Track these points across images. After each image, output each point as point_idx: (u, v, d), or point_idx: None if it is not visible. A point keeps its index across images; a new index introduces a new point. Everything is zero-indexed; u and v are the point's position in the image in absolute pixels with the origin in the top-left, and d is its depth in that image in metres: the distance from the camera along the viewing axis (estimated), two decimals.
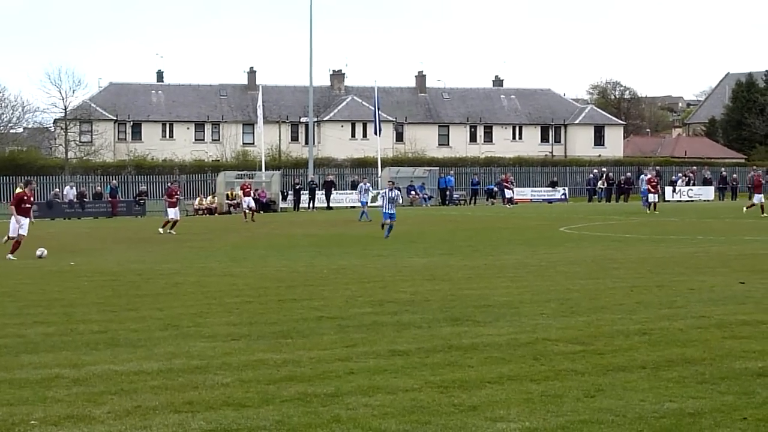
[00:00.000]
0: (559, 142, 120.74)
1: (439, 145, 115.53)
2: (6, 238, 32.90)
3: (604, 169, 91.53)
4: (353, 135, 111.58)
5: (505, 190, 77.74)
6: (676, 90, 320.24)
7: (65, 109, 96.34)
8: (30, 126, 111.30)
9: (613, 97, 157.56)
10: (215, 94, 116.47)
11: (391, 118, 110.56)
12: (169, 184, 56.94)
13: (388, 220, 40.17)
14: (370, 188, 62.76)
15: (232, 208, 72.55)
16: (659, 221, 49.83)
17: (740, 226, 44.55)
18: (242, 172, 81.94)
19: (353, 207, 75.07)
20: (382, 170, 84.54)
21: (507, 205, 75.03)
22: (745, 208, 54.54)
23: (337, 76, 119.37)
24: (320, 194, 78.18)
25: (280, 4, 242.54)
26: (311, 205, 76.88)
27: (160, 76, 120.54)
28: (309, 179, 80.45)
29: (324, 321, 16.49)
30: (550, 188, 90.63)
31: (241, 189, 63.62)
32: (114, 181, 78.32)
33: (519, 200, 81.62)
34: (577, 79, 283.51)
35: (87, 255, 32.60)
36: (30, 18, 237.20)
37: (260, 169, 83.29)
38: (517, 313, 17.08)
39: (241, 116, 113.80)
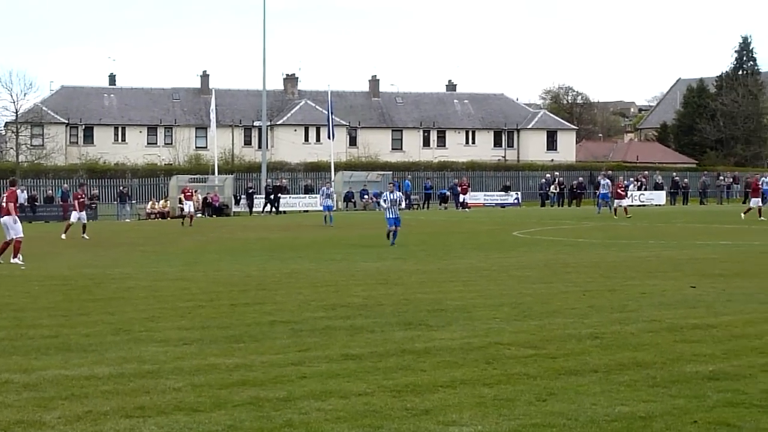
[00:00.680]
0: (512, 146, 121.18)
1: (392, 149, 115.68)
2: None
3: (556, 174, 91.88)
4: (306, 139, 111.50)
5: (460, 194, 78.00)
6: (628, 95, 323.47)
7: (16, 112, 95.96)
8: None
9: (565, 102, 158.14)
10: (168, 98, 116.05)
11: (344, 123, 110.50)
12: (77, 188, 55.64)
13: (393, 227, 37.25)
14: (332, 193, 62.47)
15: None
16: (611, 225, 50.06)
17: (692, 230, 44.83)
18: (195, 176, 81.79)
19: (306, 211, 75.12)
20: (335, 175, 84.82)
21: (461, 210, 75.22)
22: (743, 214, 54.26)
23: (291, 80, 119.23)
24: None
25: (233, 7, 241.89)
26: (271, 209, 76.64)
27: (112, 79, 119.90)
28: (266, 184, 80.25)
29: (277, 325, 16.44)
30: (503, 192, 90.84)
31: (182, 193, 62.92)
32: (65, 185, 77.71)
33: (472, 204, 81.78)
34: (530, 84, 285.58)
35: (38, 259, 32.32)
36: None
37: (213, 173, 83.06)
38: (469, 318, 17.10)
39: (194, 120, 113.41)
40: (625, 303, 18.82)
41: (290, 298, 20.15)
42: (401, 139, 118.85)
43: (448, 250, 34.83)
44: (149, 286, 23.17)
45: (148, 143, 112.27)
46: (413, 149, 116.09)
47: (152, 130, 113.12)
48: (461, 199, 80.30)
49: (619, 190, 62.33)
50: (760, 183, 55.85)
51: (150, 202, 75.61)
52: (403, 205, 37.90)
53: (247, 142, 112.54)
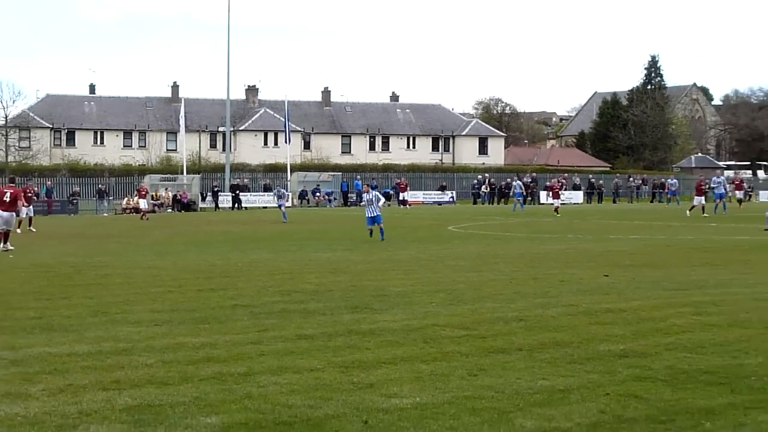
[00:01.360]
0: (448, 151, 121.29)
1: (342, 153, 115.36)
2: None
3: (487, 175, 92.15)
4: (265, 143, 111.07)
5: (401, 193, 78.08)
6: (551, 106, 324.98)
7: (6, 117, 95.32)
8: None
9: (495, 111, 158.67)
10: (142, 106, 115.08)
11: (299, 129, 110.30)
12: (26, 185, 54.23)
13: (371, 225, 35.69)
14: (285, 192, 62.15)
15: (156, 208, 71.96)
16: (534, 221, 50.24)
17: (605, 226, 45.02)
18: (166, 176, 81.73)
19: (265, 207, 74.86)
20: (291, 175, 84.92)
21: (402, 207, 75.28)
22: (687, 211, 54.41)
23: (252, 90, 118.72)
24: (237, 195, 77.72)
25: (201, 25, 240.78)
26: (237, 205, 76.26)
27: (92, 88, 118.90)
28: (232, 182, 79.82)
29: (238, 308, 16.38)
30: (439, 192, 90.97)
31: (137, 191, 62.89)
32: (49, 183, 77.35)
33: (412, 202, 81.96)
34: (464, 95, 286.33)
35: (24, 249, 32.02)
36: None
37: (182, 173, 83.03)
38: (409, 302, 17.10)
39: (165, 125, 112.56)
40: (547, 290, 18.88)
41: (250, 285, 20.07)
42: (350, 144, 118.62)
43: (391, 242, 34.80)
44: (124, 273, 23.00)
45: (124, 146, 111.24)
46: (360, 153, 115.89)
47: (128, 134, 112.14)
48: (401, 197, 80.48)
49: (552, 191, 62.68)
50: (703, 184, 55.98)
51: (125, 199, 75.13)
52: (381, 202, 36.25)
53: (213, 146, 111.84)
